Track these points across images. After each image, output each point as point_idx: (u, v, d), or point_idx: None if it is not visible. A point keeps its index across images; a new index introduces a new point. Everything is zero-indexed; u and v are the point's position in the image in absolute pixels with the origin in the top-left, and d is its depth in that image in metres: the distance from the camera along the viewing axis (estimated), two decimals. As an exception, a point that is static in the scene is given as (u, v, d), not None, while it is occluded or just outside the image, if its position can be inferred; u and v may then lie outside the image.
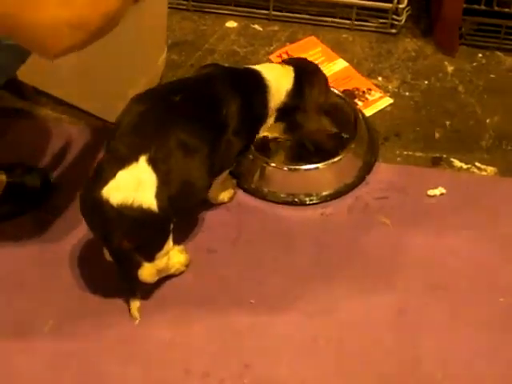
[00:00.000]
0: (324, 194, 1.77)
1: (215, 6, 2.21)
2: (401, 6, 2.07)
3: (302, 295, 1.59)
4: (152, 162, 1.43)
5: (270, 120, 1.67)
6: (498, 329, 1.54)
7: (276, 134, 1.75)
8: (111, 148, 1.49)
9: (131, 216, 1.41)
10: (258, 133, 1.67)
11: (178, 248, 1.62)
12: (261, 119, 1.66)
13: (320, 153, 1.80)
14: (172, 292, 1.60)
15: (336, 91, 1.89)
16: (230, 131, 1.56)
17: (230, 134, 1.56)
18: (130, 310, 1.56)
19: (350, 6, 2.12)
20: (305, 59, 1.79)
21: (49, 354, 1.51)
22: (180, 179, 1.47)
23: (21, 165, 1.78)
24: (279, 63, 1.72)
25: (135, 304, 1.55)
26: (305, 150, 1.82)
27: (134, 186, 1.41)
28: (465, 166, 1.82)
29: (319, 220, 1.73)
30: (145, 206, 1.41)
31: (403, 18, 2.11)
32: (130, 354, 1.52)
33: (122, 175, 1.42)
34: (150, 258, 1.51)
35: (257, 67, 1.67)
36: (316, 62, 2.01)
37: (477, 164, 1.82)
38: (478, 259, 1.65)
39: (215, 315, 1.57)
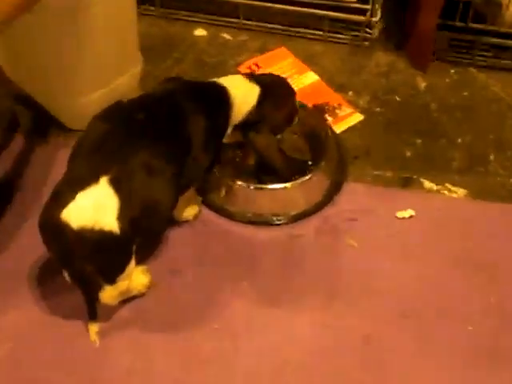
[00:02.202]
0: (292, 213, 1.73)
1: (184, 12, 2.16)
2: (374, 19, 2.03)
3: (267, 321, 1.55)
4: (113, 183, 1.38)
5: (229, 131, 1.65)
6: (467, 358, 1.50)
7: (232, 139, 1.72)
8: (71, 168, 1.44)
9: (92, 239, 1.36)
10: (220, 147, 1.63)
11: (140, 268, 1.57)
12: (222, 134, 1.63)
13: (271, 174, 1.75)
14: (132, 315, 1.55)
15: (306, 106, 1.86)
16: (196, 148, 1.52)
17: (196, 150, 1.52)
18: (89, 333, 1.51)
19: (323, 18, 2.07)
20: (278, 79, 1.74)
21: (6, 379, 1.46)
22: (143, 200, 1.43)
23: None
24: (248, 78, 1.67)
25: (94, 328, 1.50)
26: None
27: (95, 208, 1.36)
28: (435, 188, 1.78)
29: (286, 241, 1.69)
30: (106, 228, 1.37)
31: (376, 31, 2.07)
32: (89, 380, 1.47)
33: (82, 197, 1.37)
34: (112, 281, 1.46)
35: (224, 82, 1.62)
36: (286, 75, 2.00)
37: (447, 185, 1.78)
38: (447, 286, 1.61)
39: (177, 340, 1.52)
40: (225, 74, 1.98)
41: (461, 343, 1.53)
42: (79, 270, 1.41)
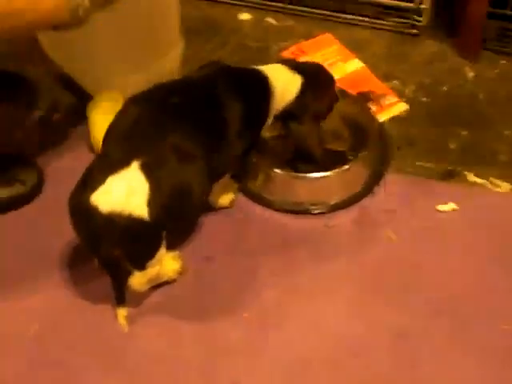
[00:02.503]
0: (330, 203, 1.69)
1: (229, -5, 2.13)
2: (423, 6, 1.97)
3: (298, 312, 1.52)
4: (145, 168, 1.36)
5: (269, 121, 1.62)
6: (500, 358, 1.45)
7: (274, 133, 1.72)
8: (103, 151, 1.42)
9: (121, 224, 1.35)
10: (259, 135, 1.60)
11: (172, 255, 1.55)
12: (262, 122, 1.60)
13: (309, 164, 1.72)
14: (163, 301, 1.54)
15: (350, 94, 1.82)
16: (232, 134, 1.49)
17: (231, 137, 1.50)
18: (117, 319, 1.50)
19: (370, 4, 2.02)
20: (319, 68, 1.70)
21: (32, 360, 1.46)
22: (174, 185, 1.40)
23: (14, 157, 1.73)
24: (290, 68, 1.64)
25: (122, 313, 1.48)
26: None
27: (125, 192, 1.34)
28: (479, 181, 1.73)
29: (322, 231, 1.65)
30: (135, 214, 1.35)
31: (425, 18, 2.01)
32: (115, 365, 1.46)
33: (113, 181, 1.35)
34: (141, 267, 1.45)
35: (265, 70, 1.59)
36: (330, 61, 1.96)
37: (492, 179, 1.73)
38: (485, 283, 1.56)
39: (207, 328, 1.50)
40: (268, 59, 1.99)
41: (494, 342, 1.47)
42: (107, 255, 1.39)
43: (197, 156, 1.42)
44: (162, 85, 1.51)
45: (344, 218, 1.67)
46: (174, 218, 1.45)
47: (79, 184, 1.40)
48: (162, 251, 1.46)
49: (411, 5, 1.98)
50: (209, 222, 1.66)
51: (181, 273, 1.56)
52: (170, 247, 1.53)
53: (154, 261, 1.45)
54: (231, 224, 1.67)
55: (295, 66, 1.65)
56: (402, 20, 2.03)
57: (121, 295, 1.47)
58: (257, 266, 1.59)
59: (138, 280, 1.46)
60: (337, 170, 1.68)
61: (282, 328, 1.50)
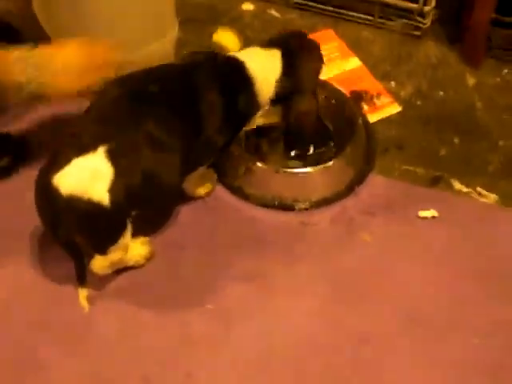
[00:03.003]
0: (309, 200, 1.66)
1: (232, -16, 2.10)
2: (427, 7, 1.93)
3: (264, 308, 1.50)
4: (111, 154, 1.34)
5: (265, 108, 1.57)
6: (468, 372, 1.42)
7: (273, 120, 1.64)
8: (74, 132, 1.41)
9: (80, 208, 1.34)
10: (242, 128, 1.57)
11: (141, 240, 1.54)
12: (248, 115, 1.56)
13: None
14: (129, 286, 1.52)
15: (341, 91, 1.79)
16: (211, 128, 1.47)
17: (211, 131, 1.47)
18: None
19: (374, 2, 1.98)
20: (292, 32, 1.65)
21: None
22: (144, 174, 1.38)
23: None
24: (265, 46, 1.58)
25: (83, 293, 1.46)
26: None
27: (88, 176, 1.33)
28: (465, 190, 1.68)
29: (298, 229, 1.62)
30: (95, 199, 1.33)
31: (428, 20, 1.96)
32: (75, 346, 1.45)
33: (77, 164, 1.34)
34: (102, 252, 1.44)
35: (240, 57, 1.55)
36: (328, 58, 1.93)
37: (479, 189, 1.68)
38: (462, 295, 1.52)
39: (169, 316, 1.49)
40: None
41: (464, 356, 1.44)
42: (65, 238, 1.39)
43: (170, 146, 1.41)
44: (144, 70, 1.48)
45: (322, 216, 1.64)
46: (143, 206, 1.44)
47: (47, 162, 1.38)
48: (127, 237, 1.44)
49: (415, 6, 1.93)
50: (184, 211, 1.64)
51: (148, 259, 1.54)
52: (141, 233, 1.52)
53: (116, 246, 1.43)
54: (207, 215, 1.64)
55: (269, 42, 1.59)
56: (406, 21, 1.98)
57: (82, 276, 1.45)
58: (228, 257, 1.57)
59: (99, 263, 1.45)
60: (320, 167, 1.65)
61: (245, 323, 1.48)
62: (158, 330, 1.46)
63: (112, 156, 1.34)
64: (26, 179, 1.64)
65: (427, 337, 1.46)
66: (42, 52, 1.43)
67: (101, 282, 1.50)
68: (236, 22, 2.03)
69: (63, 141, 1.41)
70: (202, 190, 1.65)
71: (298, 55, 1.57)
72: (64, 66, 1.44)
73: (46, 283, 1.52)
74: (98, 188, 1.33)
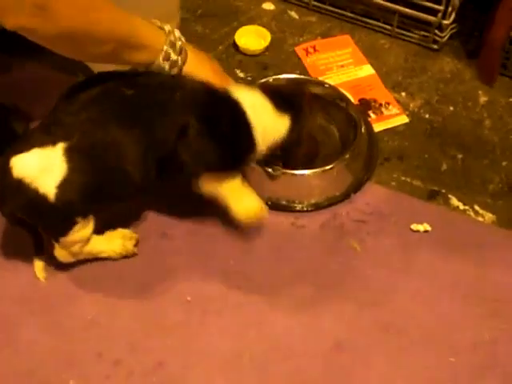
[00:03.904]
0: (303, 203, 1.65)
1: (257, -16, 2.10)
2: (445, 21, 1.91)
3: (241, 304, 1.50)
4: (69, 152, 1.36)
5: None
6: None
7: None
8: (47, 120, 1.42)
9: (26, 195, 1.36)
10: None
11: (120, 233, 1.54)
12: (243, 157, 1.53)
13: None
14: (107, 270, 1.53)
15: (349, 97, 1.78)
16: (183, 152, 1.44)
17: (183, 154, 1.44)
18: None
19: (394, 12, 1.97)
20: (297, 92, 1.61)
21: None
22: (104, 176, 1.39)
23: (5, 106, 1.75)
24: (276, 108, 1.51)
25: (39, 264, 1.50)
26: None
27: (40, 168, 1.35)
28: (462, 207, 1.66)
29: (288, 230, 1.62)
30: (41, 191, 1.35)
31: (446, 34, 1.94)
32: (51, 325, 1.46)
33: (35, 153, 1.36)
34: (54, 239, 1.46)
35: (250, 114, 1.48)
36: (341, 63, 1.94)
37: (476, 207, 1.66)
38: (443, 311, 1.50)
39: (146, 303, 1.49)
40: (280, 50, 1.95)
41: (438, 374, 1.42)
42: (8, 215, 1.43)
43: (134, 155, 1.40)
44: (125, 71, 1.48)
45: (314, 219, 1.63)
46: (105, 205, 1.47)
47: (16, 141, 1.41)
48: (82, 232, 1.44)
49: (434, 19, 1.91)
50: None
51: (125, 255, 1.54)
52: (121, 224, 1.54)
53: (69, 238, 1.44)
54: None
55: (277, 98, 1.53)
56: (424, 33, 1.97)
57: (38, 246, 1.49)
58: (213, 252, 1.57)
59: (58, 252, 1.48)
60: (317, 170, 1.64)
61: (221, 318, 1.48)
62: (133, 317, 1.47)
63: (69, 154, 1.35)
64: None
65: (403, 350, 1.44)
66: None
67: (79, 265, 1.52)
68: (255, 21, 2.03)
69: (37, 126, 1.43)
70: (247, 211, 1.55)
71: (304, 119, 1.56)
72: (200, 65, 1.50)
73: (21, 259, 1.54)
74: (47, 182, 1.35)
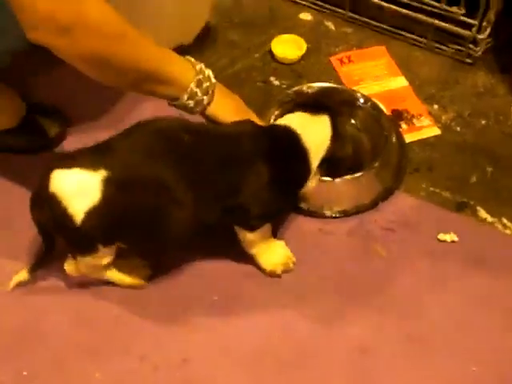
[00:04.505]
0: (335, 209, 1.68)
1: (295, -6, 2.13)
2: (480, 36, 1.92)
3: (267, 306, 1.52)
4: (107, 182, 1.35)
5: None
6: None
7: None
8: (103, 142, 1.43)
9: (53, 209, 1.37)
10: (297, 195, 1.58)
11: (132, 264, 1.54)
12: (301, 183, 1.54)
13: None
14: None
15: (381, 107, 1.80)
16: (246, 197, 1.45)
17: (245, 198, 1.45)
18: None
19: (429, 25, 1.98)
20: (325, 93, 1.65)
21: None
22: (137, 218, 1.40)
23: (41, 103, 1.79)
24: (313, 112, 1.53)
25: (22, 275, 1.50)
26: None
27: (76, 189, 1.36)
28: (489, 219, 1.67)
29: (315, 235, 1.64)
30: (69, 211, 1.36)
31: (481, 49, 1.95)
32: (75, 318, 1.50)
33: (76, 173, 1.37)
34: (71, 253, 1.47)
35: (294, 128, 1.50)
36: (375, 74, 1.96)
37: (504, 220, 1.67)
38: (467, 321, 1.52)
39: (173, 301, 1.53)
40: (315, 60, 1.98)
41: (459, 381, 1.44)
42: (35, 220, 1.44)
43: (182, 200, 1.40)
44: (183, 120, 1.49)
45: (341, 226, 1.65)
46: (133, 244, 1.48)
47: (65, 153, 1.45)
48: (99, 260, 1.45)
49: (469, 33, 1.93)
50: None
51: (135, 287, 1.54)
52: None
53: (86, 260, 1.45)
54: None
55: (316, 109, 1.55)
56: (458, 47, 1.98)
57: (37, 263, 1.51)
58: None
59: (68, 265, 1.49)
60: (347, 177, 1.66)
61: (247, 318, 1.51)
62: (160, 314, 1.51)
63: (106, 184, 1.35)
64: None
65: (426, 358, 1.46)
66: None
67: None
68: (291, 30, 2.05)
69: (91, 146, 1.44)
70: (276, 266, 1.57)
71: (341, 119, 1.57)
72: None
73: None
74: (77, 204, 1.36)
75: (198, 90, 1.45)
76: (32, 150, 1.74)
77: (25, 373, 1.43)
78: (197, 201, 1.40)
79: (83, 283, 1.53)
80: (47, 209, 1.39)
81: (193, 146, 1.42)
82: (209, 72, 1.48)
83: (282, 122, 1.53)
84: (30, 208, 1.43)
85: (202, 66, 1.48)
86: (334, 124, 1.53)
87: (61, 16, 1.27)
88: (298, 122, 1.51)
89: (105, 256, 1.44)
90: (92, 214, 1.36)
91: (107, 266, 1.48)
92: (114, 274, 1.51)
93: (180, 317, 1.50)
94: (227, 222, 1.50)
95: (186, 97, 1.45)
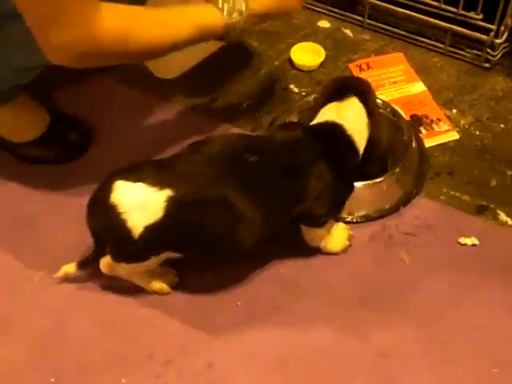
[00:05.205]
0: (356, 214, 1.69)
1: (312, 1, 2.14)
2: (498, 40, 1.93)
3: (289, 311, 1.54)
4: (171, 201, 1.36)
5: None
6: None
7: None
8: (168, 158, 1.45)
9: (112, 221, 1.38)
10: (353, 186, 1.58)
11: (161, 271, 1.55)
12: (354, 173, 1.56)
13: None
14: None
15: (400, 112, 1.82)
16: (310, 201, 1.47)
17: (310, 203, 1.48)
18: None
19: (447, 30, 2.00)
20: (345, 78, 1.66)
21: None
22: (195, 233, 1.41)
23: (64, 114, 1.82)
24: (340, 98, 1.54)
25: (70, 268, 1.51)
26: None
27: (138, 203, 1.37)
28: (510, 222, 1.68)
29: (337, 240, 1.66)
30: (128, 224, 1.37)
31: (498, 53, 1.97)
32: (101, 322, 1.52)
33: (140, 188, 1.37)
34: (114, 259, 1.47)
35: (336, 120, 1.51)
36: (393, 80, 1.97)
37: (524, 223, 1.68)
38: (488, 323, 1.53)
39: (197, 307, 1.54)
40: (334, 67, 2.00)
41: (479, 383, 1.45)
42: (89, 225, 1.45)
43: (251, 221, 1.42)
44: (243, 139, 1.52)
45: (363, 231, 1.67)
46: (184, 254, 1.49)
47: (131, 164, 1.43)
48: (144, 266, 1.47)
49: (486, 37, 1.94)
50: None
51: (161, 293, 1.55)
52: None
53: (131, 267, 1.47)
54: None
55: (334, 92, 1.57)
56: (476, 52, 2.00)
57: (87, 261, 1.51)
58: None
59: (106, 261, 1.50)
60: (368, 182, 1.67)
61: (269, 323, 1.52)
62: (185, 319, 1.52)
63: (170, 203, 1.36)
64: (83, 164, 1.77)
65: (446, 360, 1.47)
66: None
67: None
68: (310, 38, 2.07)
69: (156, 160, 1.47)
70: (335, 245, 1.62)
71: (369, 94, 1.58)
72: None
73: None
74: (138, 219, 1.36)
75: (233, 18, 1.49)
76: (56, 160, 1.77)
77: (52, 379, 1.44)
78: (265, 217, 1.43)
79: (108, 287, 1.55)
80: (105, 218, 1.39)
81: (256, 164, 1.43)
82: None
83: (321, 119, 1.54)
84: (86, 213, 1.44)
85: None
86: (364, 101, 1.54)
87: (73, 45, 1.31)
88: (333, 113, 1.53)
89: (152, 264, 1.46)
90: (151, 229, 1.37)
91: (143, 272, 1.50)
92: (143, 279, 1.53)
93: (204, 322, 1.51)
94: (295, 225, 1.55)
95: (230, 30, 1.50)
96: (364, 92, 1.58)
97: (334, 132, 1.51)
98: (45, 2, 1.26)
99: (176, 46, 1.47)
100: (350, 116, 1.52)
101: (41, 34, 1.31)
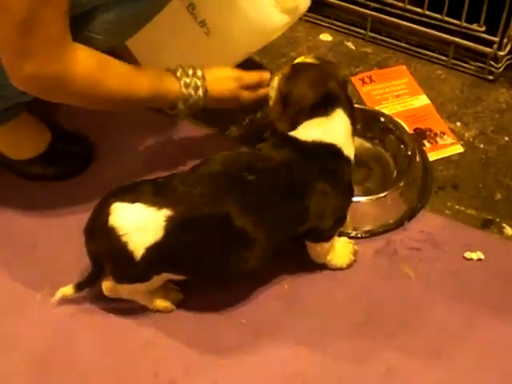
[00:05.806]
0: (360, 229, 1.68)
1: (313, 15, 2.14)
2: (501, 52, 1.93)
3: (294, 328, 1.52)
4: (170, 221, 1.35)
5: None
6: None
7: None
8: (162, 179, 1.44)
9: (112, 244, 1.37)
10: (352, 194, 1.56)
11: (165, 290, 1.53)
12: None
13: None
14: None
15: (403, 126, 1.81)
16: (314, 218, 1.46)
17: (314, 220, 1.47)
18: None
19: (449, 43, 1.99)
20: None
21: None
22: (195, 252, 1.40)
23: (66, 131, 1.81)
24: (326, 113, 1.47)
25: (68, 290, 1.49)
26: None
27: (137, 225, 1.36)
28: (516, 236, 1.68)
29: (342, 255, 1.65)
30: (129, 247, 1.36)
31: (502, 65, 1.96)
32: (105, 342, 1.50)
33: (137, 208, 1.36)
34: (115, 280, 1.46)
35: (329, 139, 1.47)
36: (396, 93, 1.96)
37: (530, 237, 1.67)
38: (493, 338, 1.51)
39: (201, 325, 1.52)
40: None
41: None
42: (88, 249, 1.44)
43: (252, 237, 1.41)
44: (243, 156, 1.50)
45: (367, 246, 1.65)
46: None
47: (125, 185, 1.43)
48: (145, 286, 1.46)
49: (489, 50, 1.93)
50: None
51: (165, 311, 1.54)
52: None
53: (130, 287, 1.46)
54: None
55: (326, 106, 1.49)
56: (479, 64, 1.99)
57: (84, 284, 1.49)
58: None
59: (106, 285, 1.48)
60: (372, 197, 1.67)
61: (274, 341, 1.50)
62: (189, 338, 1.51)
63: (169, 223, 1.35)
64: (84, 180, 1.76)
65: (454, 376, 1.45)
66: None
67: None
68: (312, 51, 2.07)
69: (153, 180, 1.44)
70: (340, 261, 1.61)
71: (347, 89, 1.55)
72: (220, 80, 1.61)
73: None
74: (139, 240, 1.35)
75: (189, 91, 1.55)
76: (57, 177, 1.76)
77: (54, 399, 1.44)
78: (267, 236, 1.42)
79: (111, 307, 1.54)
80: (105, 241, 1.38)
81: (255, 183, 1.41)
82: (193, 70, 1.56)
83: (308, 135, 1.47)
84: (85, 238, 1.43)
85: (181, 69, 1.56)
86: (349, 111, 1.49)
87: (44, 78, 1.34)
88: (322, 131, 1.47)
89: (155, 283, 1.45)
90: (153, 250, 1.36)
91: (146, 291, 1.49)
92: (147, 298, 1.51)
93: (208, 340, 1.50)
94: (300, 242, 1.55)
95: (181, 102, 1.55)
96: (346, 99, 1.51)
97: (329, 152, 1.48)
98: (24, 31, 1.27)
99: (133, 105, 1.54)
100: (339, 132, 1.48)
101: (14, 59, 1.32)
